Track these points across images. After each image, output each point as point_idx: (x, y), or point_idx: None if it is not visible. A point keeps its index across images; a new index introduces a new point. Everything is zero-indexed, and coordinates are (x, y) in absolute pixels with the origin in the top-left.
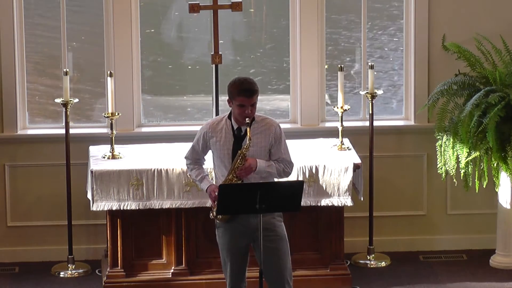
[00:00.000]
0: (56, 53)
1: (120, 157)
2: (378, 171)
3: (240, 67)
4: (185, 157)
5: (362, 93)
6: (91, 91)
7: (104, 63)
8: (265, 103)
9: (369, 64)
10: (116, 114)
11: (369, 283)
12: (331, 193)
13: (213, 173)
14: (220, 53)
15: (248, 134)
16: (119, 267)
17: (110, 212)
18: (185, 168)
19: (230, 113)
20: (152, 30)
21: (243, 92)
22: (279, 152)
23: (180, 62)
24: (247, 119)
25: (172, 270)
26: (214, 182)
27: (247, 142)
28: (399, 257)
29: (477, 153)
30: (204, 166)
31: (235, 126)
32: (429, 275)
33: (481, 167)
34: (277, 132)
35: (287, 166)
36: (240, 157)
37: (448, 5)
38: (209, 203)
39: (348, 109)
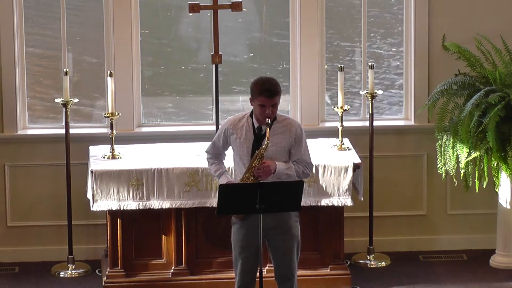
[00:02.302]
0: (56, 53)
1: (120, 157)
2: (378, 171)
3: (238, 67)
4: (206, 151)
5: (362, 93)
6: (91, 91)
7: (104, 63)
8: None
9: (369, 64)
10: (116, 114)
11: (369, 283)
12: (331, 193)
13: (232, 170)
14: (220, 53)
15: (267, 134)
16: (119, 267)
17: (110, 212)
18: (185, 167)
19: (252, 111)
20: (147, 31)
21: (265, 92)
22: (299, 153)
23: (180, 62)
24: (267, 119)
25: (172, 270)
26: (233, 178)
27: (266, 142)
28: (399, 257)
29: (477, 153)
30: (224, 162)
31: (256, 125)
32: (429, 275)
33: (481, 167)
34: (298, 133)
35: (307, 167)
36: (257, 157)
37: (448, 5)
38: (209, 203)
39: (348, 109)
